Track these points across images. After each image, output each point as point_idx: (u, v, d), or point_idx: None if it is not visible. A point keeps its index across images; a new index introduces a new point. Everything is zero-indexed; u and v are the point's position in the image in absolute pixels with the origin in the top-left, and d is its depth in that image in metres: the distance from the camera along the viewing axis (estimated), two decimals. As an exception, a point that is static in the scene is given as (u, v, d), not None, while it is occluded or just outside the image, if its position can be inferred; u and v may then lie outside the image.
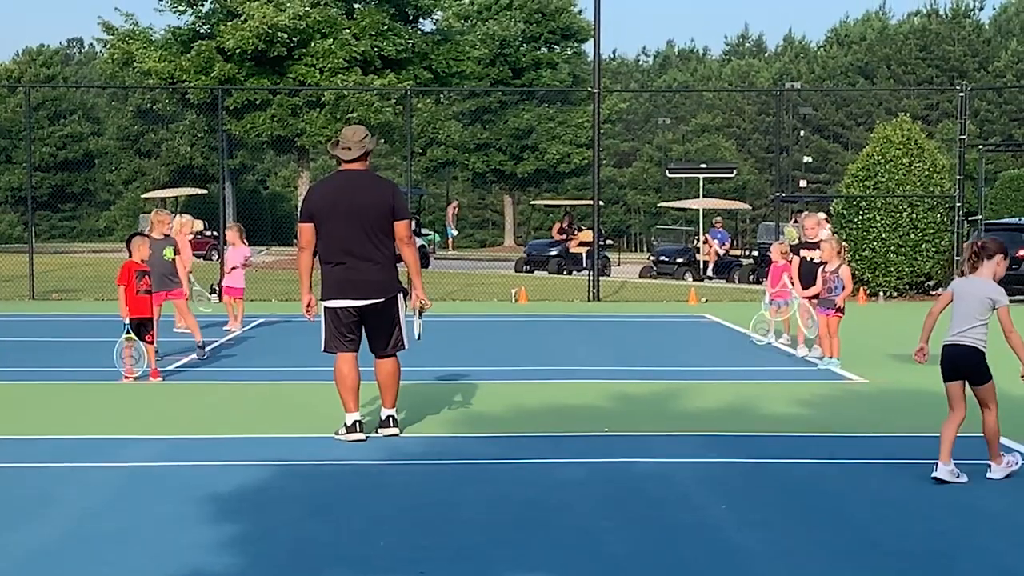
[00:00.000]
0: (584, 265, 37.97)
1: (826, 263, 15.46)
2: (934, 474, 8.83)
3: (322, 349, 10.44)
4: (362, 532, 7.47)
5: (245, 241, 19.94)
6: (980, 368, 8.99)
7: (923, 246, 27.87)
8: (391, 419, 10.48)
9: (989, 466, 9.07)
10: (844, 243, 16.20)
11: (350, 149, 10.18)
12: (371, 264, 10.10)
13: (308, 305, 10.40)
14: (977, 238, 9.59)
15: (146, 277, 13.92)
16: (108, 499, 8.29)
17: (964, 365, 8.94)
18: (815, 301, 15.72)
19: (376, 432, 10.46)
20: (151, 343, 14.01)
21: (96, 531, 7.48)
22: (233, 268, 19.45)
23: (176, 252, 15.99)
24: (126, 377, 13.66)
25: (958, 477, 8.84)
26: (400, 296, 10.35)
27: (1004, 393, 12.88)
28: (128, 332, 13.70)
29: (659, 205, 62.38)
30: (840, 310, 15.25)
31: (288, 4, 38.04)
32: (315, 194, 10.42)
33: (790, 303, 16.96)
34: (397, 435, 10.42)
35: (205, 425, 11.23)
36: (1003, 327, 8.89)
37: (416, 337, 10.59)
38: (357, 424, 10.29)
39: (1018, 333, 8.92)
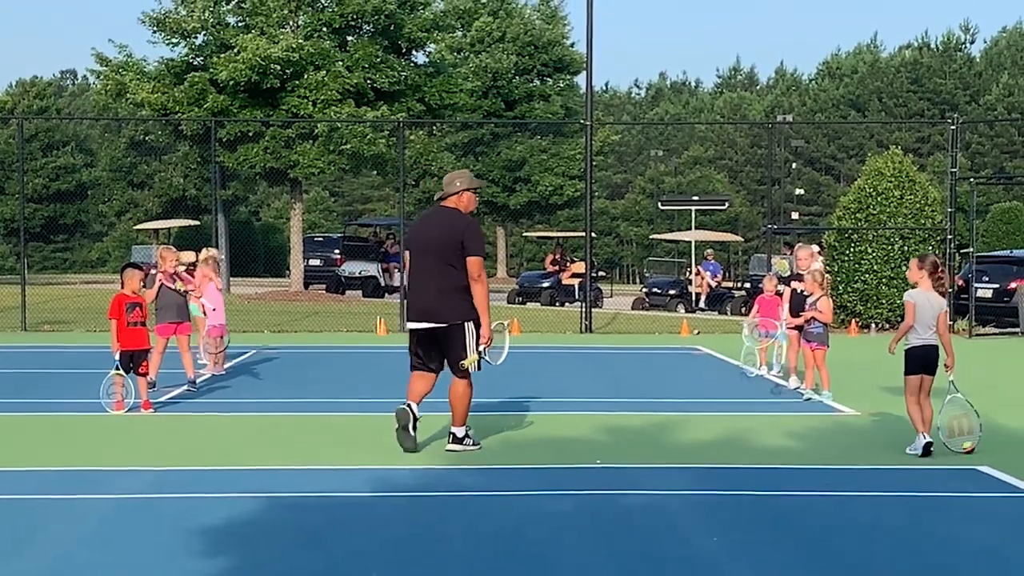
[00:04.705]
0: (576, 297, 37.99)
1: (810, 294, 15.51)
2: (916, 449, 11.21)
3: None
4: (351, 564, 7.44)
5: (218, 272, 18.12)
6: (938, 362, 11.26)
7: (915, 278, 27.86)
8: (452, 435, 11.34)
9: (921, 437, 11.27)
10: (827, 275, 16.21)
11: (443, 189, 11.31)
12: (433, 291, 11.00)
13: None
14: (921, 256, 11.89)
15: (138, 308, 13.89)
16: (97, 531, 8.25)
17: (933, 361, 11.22)
18: (799, 333, 15.75)
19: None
20: (144, 375, 13.98)
21: (85, 564, 7.44)
22: (214, 309, 17.45)
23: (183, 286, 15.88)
24: (116, 409, 13.62)
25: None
26: (468, 324, 11.01)
27: (993, 426, 12.89)
28: (117, 368, 13.66)
29: (651, 237, 62.49)
30: (823, 343, 15.28)
31: (281, 36, 38.12)
32: (410, 226, 11.88)
33: (772, 334, 17.05)
34: (457, 451, 11.23)
35: (195, 457, 11.19)
36: (941, 325, 11.26)
37: (476, 368, 11.29)
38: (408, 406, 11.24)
39: (948, 331, 11.51)
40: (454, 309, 10.98)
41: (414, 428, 11.19)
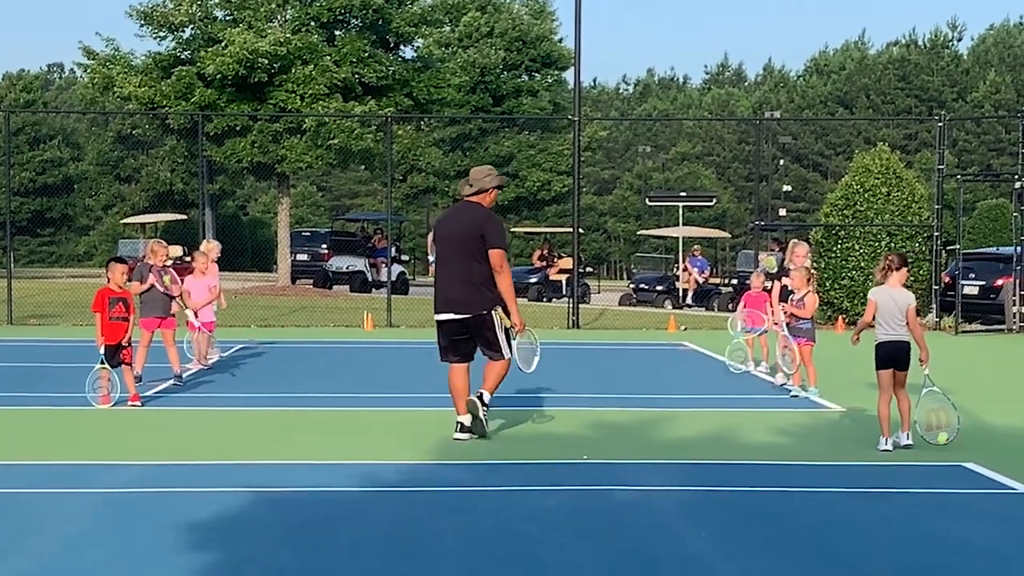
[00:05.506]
0: (564, 292, 37.99)
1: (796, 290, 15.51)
2: (882, 448, 11.24)
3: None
4: (338, 561, 7.42)
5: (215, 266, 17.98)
6: (909, 357, 11.32)
7: (901, 275, 27.90)
8: (481, 395, 11.61)
9: (903, 435, 11.42)
10: (814, 272, 16.27)
11: (471, 186, 11.69)
12: (458, 283, 11.46)
13: None
14: (888, 253, 12.36)
15: (121, 304, 13.82)
16: (85, 527, 8.21)
17: (901, 355, 11.30)
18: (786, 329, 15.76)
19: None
20: (128, 363, 13.89)
21: (71, 560, 7.41)
22: (206, 300, 17.38)
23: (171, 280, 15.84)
24: (102, 403, 13.58)
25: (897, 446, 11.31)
26: (495, 312, 11.46)
27: (979, 423, 12.93)
28: (102, 362, 13.61)
29: (639, 233, 62.55)
30: (811, 339, 15.29)
31: (269, 30, 38.05)
32: (438, 220, 12.19)
33: (757, 329, 17.11)
34: (481, 409, 11.50)
35: (182, 451, 11.16)
36: (910, 321, 11.32)
37: (511, 357, 11.74)
38: (459, 425, 11.59)
39: (919, 326, 11.53)
40: (480, 299, 11.44)
41: (484, 414, 11.61)
